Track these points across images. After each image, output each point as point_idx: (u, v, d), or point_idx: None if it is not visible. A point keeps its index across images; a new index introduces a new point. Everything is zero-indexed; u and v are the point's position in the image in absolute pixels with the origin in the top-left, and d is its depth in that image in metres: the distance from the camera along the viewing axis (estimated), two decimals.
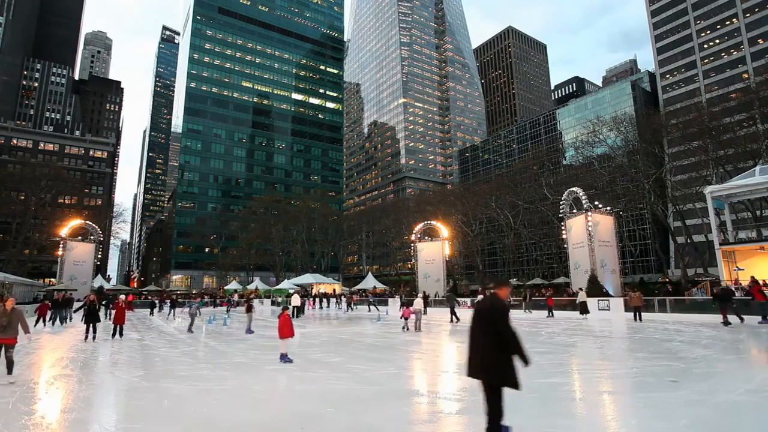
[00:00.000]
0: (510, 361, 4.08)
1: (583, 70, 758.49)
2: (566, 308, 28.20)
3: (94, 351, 12.67)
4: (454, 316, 21.54)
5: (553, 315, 24.84)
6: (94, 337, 14.80)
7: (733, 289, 20.39)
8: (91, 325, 14.91)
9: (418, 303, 18.63)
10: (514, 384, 4.06)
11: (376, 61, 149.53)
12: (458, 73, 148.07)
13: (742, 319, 17.25)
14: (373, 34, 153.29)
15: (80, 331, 18.09)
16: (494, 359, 4.09)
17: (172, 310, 30.06)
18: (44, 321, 20.55)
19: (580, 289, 26.26)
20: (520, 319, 23.17)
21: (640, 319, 19.80)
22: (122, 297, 16.83)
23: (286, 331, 9.61)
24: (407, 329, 17.57)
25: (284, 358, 9.81)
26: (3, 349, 7.70)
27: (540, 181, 55.61)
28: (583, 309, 23.40)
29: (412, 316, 17.83)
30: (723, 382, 7.08)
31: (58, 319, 21.47)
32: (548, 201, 52.23)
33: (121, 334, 15.57)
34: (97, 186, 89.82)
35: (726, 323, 16.55)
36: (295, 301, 28.07)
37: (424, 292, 33.27)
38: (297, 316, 26.70)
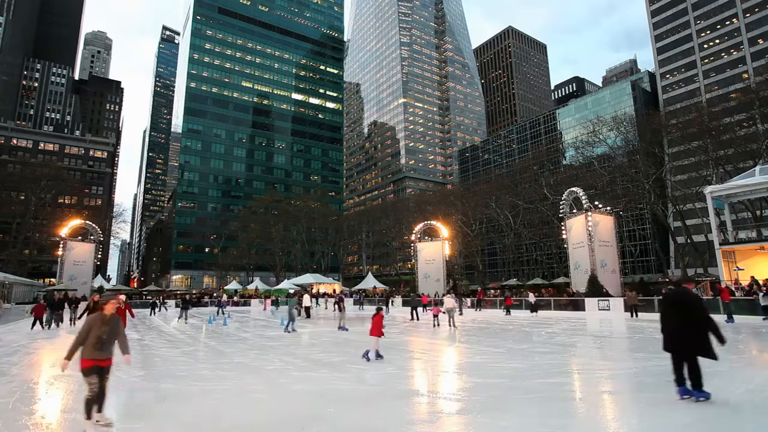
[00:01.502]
0: (707, 337, 5.62)
1: (585, 69, 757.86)
2: (567, 308, 28.41)
3: None
4: (414, 314, 23.18)
5: (509, 313, 26.84)
6: None
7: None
8: None
9: (449, 302, 19.13)
10: (713, 356, 5.62)
11: (376, 61, 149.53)
12: (458, 73, 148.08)
13: (731, 320, 18.23)
14: (373, 34, 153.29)
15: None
16: (695, 337, 5.62)
17: (184, 312, 24.98)
18: (41, 323, 19.68)
19: (531, 292, 30.34)
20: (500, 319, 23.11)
21: (637, 315, 21.45)
22: (122, 297, 15.38)
23: (375, 330, 10.03)
24: (437, 326, 18.47)
25: (366, 355, 10.11)
26: (96, 373, 4.91)
27: (540, 181, 55.62)
28: (533, 308, 26.37)
29: (442, 315, 18.91)
30: (723, 382, 7.08)
31: (53, 322, 20.40)
32: (548, 201, 52.23)
33: None
34: (97, 186, 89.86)
35: None
36: (306, 301, 27.53)
37: (453, 290, 34.88)
38: (308, 316, 26.31)
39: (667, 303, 6.10)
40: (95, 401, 4.94)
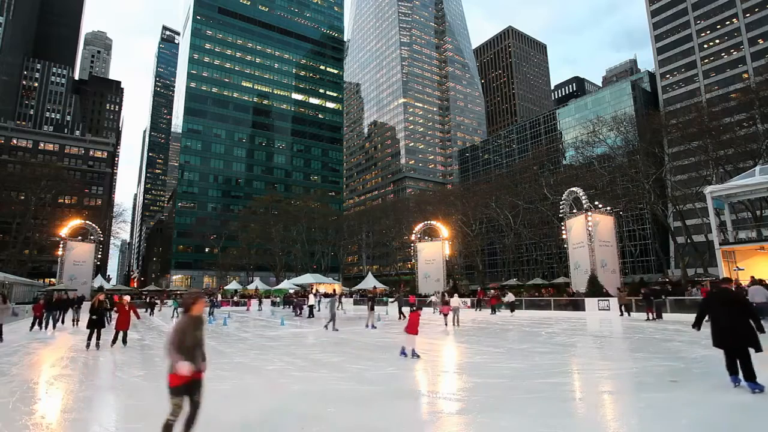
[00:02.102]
0: (754, 330, 6.20)
1: (587, 69, 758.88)
2: (567, 308, 28.46)
3: (95, 351, 12.66)
4: (401, 315, 23.81)
5: (495, 313, 27.43)
6: (97, 345, 12.78)
7: (658, 288, 23.85)
8: (95, 330, 12.76)
9: (455, 301, 20.23)
10: (760, 348, 6.10)
11: (376, 61, 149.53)
12: (458, 73, 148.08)
13: (660, 317, 20.26)
14: (373, 34, 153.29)
15: (80, 334, 18.03)
16: (745, 331, 6.13)
17: (212, 310, 24.73)
18: (40, 323, 19.01)
19: (508, 291, 31.36)
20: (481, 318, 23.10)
21: (629, 314, 22.81)
22: (127, 298, 14.69)
23: (412, 328, 10.30)
24: (447, 324, 19.26)
25: (403, 352, 10.45)
26: (189, 390, 4.01)
27: (540, 181, 55.60)
28: (512, 308, 27.06)
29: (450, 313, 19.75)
30: (723, 382, 7.08)
31: (51, 322, 19.53)
32: (548, 201, 52.21)
33: (124, 342, 13.31)
34: (97, 186, 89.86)
35: (650, 319, 19.90)
36: (311, 300, 27.43)
37: (451, 290, 35.66)
38: (311, 316, 26.22)
39: (716, 302, 6.59)
40: (187, 426, 3.97)
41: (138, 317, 15.28)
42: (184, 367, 3.86)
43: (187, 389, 3.97)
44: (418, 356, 10.23)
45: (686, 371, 8.16)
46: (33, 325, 18.85)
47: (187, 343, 4.02)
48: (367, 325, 19.09)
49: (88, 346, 12.57)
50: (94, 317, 12.78)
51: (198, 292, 4.59)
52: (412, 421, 5.43)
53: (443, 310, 19.76)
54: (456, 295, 24.39)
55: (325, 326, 18.43)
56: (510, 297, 27.56)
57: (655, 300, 20.73)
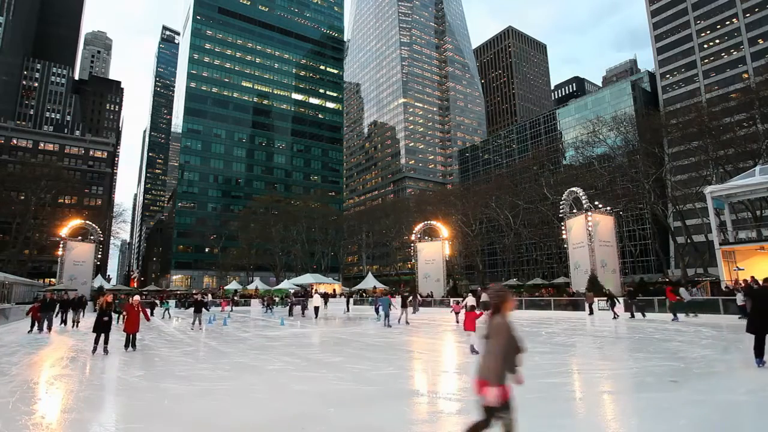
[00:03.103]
0: None
1: (589, 69, 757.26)
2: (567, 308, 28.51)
3: (97, 352, 12.66)
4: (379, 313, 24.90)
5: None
6: (105, 350, 11.62)
7: (632, 290, 25.08)
8: (103, 334, 11.63)
9: (471, 300, 20.04)
10: None
11: (376, 61, 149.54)
12: (458, 73, 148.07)
13: (643, 315, 21.68)
14: (373, 34, 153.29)
15: (77, 335, 17.98)
16: None
17: (198, 317, 19.71)
18: (39, 325, 18.34)
19: (479, 290, 30.77)
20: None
21: (591, 312, 24.24)
22: (137, 298, 13.40)
23: (470, 325, 11.23)
24: (459, 322, 19.87)
25: (473, 349, 10.98)
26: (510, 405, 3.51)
27: (540, 181, 55.61)
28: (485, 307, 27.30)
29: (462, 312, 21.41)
30: (723, 382, 7.08)
31: (45, 324, 18.43)
32: (548, 201, 52.22)
33: (134, 345, 12.40)
34: (97, 186, 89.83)
35: (626, 318, 21.34)
36: (316, 300, 27.01)
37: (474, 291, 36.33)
38: (316, 316, 26.16)
39: (758, 297, 8.48)
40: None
41: (148, 319, 14.28)
42: (518, 377, 3.44)
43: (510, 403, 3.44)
44: (477, 352, 10.40)
45: (686, 371, 8.15)
46: (32, 327, 18.44)
47: (512, 350, 3.50)
48: (399, 321, 20.74)
49: (94, 350, 11.53)
50: (105, 318, 11.69)
51: (502, 288, 3.69)
52: (412, 421, 5.42)
53: (455, 308, 21.31)
54: (470, 294, 25.31)
55: (383, 322, 20.14)
56: (483, 297, 26.71)
57: (631, 301, 22.37)
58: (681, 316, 20.22)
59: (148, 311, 31.15)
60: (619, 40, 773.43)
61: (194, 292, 63.10)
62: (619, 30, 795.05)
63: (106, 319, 11.70)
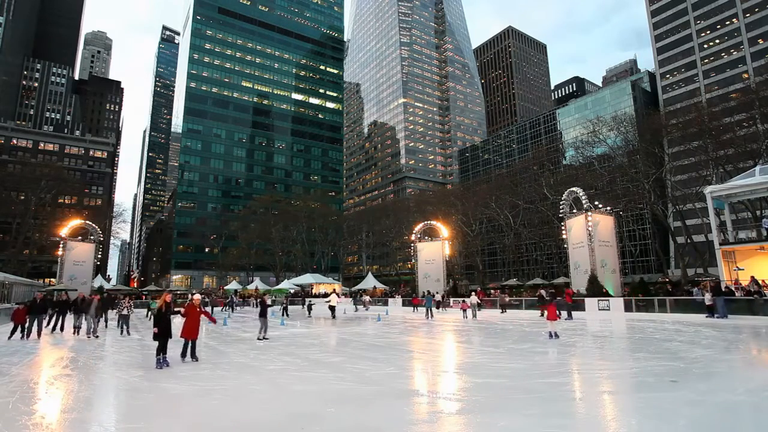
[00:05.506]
0: None
1: (595, 68, 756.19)
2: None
3: (95, 351, 12.67)
4: (357, 308, 27.38)
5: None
6: (166, 361, 9.52)
7: (554, 291, 26.83)
8: (163, 342, 9.60)
9: (474, 299, 25.22)
10: None
11: (376, 61, 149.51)
12: (458, 73, 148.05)
13: (570, 317, 22.01)
14: (373, 34, 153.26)
15: (72, 341, 17.86)
16: None
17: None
18: (22, 330, 15.61)
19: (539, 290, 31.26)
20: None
21: (570, 317, 22.63)
22: (197, 297, 10.75)
23: (552, 315, 13.76)
24: (467, 318, 23.83)
25: (551, 335, 13.62)
26: None
27: (540, 181, 55.59)
28: (474, 313, 28.00)
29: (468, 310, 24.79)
30: (723, 382, 7.08)
31: (35, 329, 16.01)
32: (548, 201, 52.21)
33: (193, 355, 10.22)
34: (97, 186, 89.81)
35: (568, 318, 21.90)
36: (333, 300, 26.89)
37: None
38: (334, 317, 26.10)
39: None
40: None
41: (214, 322, 12.13)
42: None
43: None
44: (557, 336, 13.66)
45: (686, 371, 8.15)
46: (12, 333, 15.43)
47: None
48: (427, 317, 24.77)
49: (158, 363, 9.37)
50: (167, 321, 9.67)
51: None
52: (412, 421, 5.43)
53: (462, 306, 25.07)
54: (474, 293, 28.39)
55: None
56: (473, 299, 25.90)
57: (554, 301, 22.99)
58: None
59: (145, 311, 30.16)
60: (624, 39, 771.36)
61: (194, 291, 63.07)
62: (624, 29, 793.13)
63: (165, 322, 9.67)
